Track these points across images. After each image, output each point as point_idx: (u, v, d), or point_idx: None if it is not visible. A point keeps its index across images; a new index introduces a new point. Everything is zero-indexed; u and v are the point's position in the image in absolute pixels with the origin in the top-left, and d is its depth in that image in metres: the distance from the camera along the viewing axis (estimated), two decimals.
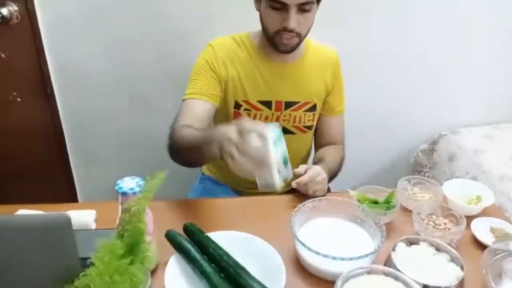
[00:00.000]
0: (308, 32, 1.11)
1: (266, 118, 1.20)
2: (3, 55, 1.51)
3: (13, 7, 1.43)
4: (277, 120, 1.21)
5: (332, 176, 1.18)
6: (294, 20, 1.02)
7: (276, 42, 1.08)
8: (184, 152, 1.00)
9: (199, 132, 0.97)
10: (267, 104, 1.18)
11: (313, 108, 1.23)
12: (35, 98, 1.60)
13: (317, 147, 1.32)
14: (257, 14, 1.15)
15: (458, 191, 1.05)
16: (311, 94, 1.22)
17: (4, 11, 1.42)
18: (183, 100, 1.12)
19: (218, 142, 0.80)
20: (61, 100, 1.63)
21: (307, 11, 1.04)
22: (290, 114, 1.21)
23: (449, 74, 1.77)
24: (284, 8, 1.02)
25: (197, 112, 1.09)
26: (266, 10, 1.06)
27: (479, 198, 1.04)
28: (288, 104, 1.20)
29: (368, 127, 1.80)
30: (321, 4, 1.09)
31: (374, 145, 1.86)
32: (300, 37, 1.08)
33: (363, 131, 1.76)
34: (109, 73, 1.61)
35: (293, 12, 1.01)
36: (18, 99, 1.58)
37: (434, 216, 0.99)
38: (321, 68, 1.22)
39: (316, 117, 1.26)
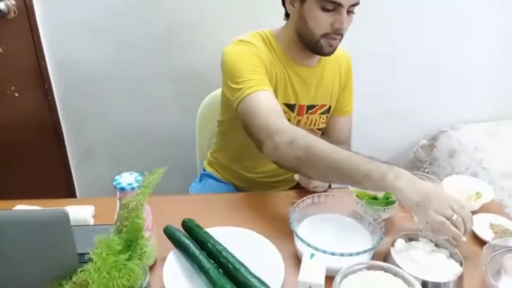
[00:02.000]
0: None
1: (288, 121, 1.18)
2: (0, 50, 1.50)
3: (11, 1, 1.42)
4: (298, 124, 1.18)
5: None
6: (347, 21, 1.02)
7: (322, 45, 1.04)
8: (318, 163, 0.88)
9: (362, 158, 0.86)
10: (291, 107, 1.16)
11: (328, 111, 1.22)
12: (33, 93, 1.59)
13: None
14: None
15: (458, 187, 1.05)
16: (328, 97, 1.20)
17: (1, 5, 1.41)
18: (251, 92, 0.98)
19: (430, 199, 0.82)
20: (59, 95, 1.63)
21: (352, 12, 1.03)
22: (308, 117, 1.19)
23: (450, 70, 1.77)
24: (337, 9, 1.00)
25: (276, 104, 0.99)
26: (315, 11, 1.01)
27: (478, 194, 1.04)
28: (308, 108, 1.18)
29: (368, 122, 1.79)
30: None
31: (374, 140, 1.86)
32: (342, 39, 1.07)
33: (362, 126, 1.75)
34: (107, 68, 1.61)
35: (345, 13, 1.00)
36: (16, 94, 1.57)
37: None
38: (337, 69, 1.21)
39: (328, 119, 1.25)
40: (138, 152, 1.75)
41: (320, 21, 1.01)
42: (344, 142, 1.28)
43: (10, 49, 1.51)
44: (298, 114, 1.17)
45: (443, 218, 0.81)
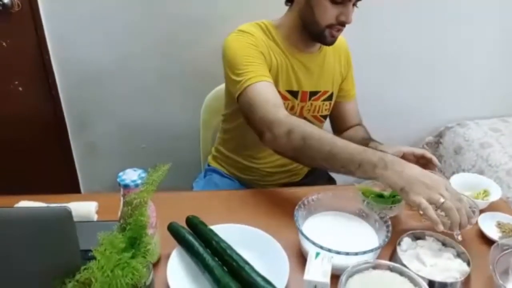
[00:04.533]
0: None
1: (292, 108, 1.19)
2: (4, 44, 1.49)
3: None
4: (301, 110, 1.21)
5: None
6: (352, 14, 1.05)
7: (326, 35, 1.08)
8: (313, 154, 0.92)
9: (356, 148, 0.89)
10: (294, 94, 1.18)
11: (330, 97, 1.25)
12: (37, 87, 1.59)
13: (339, 133, 1.33)
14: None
15: (464, 185, 1.04)
16: (330, 83, 1.23)
17: None
18: (250, 84, 1.00)
19: (416, 185, 0.83)
20: (63, 90, 1.62)
21: (355, 5, 1.06)
22: (311, 104, 1.21)
23: (456, 66, 1.75)
24: (344, 2, 1.03)
25: (274, 94, 1.01)
26: (323, 2, 1.03)
27: (486, 193, 1.03)
28: (311, 94, 1.20)
29: (374, 119, 1.78)
30: None
31: (380, 137, 1.84)
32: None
33: (368, 123, 1.74)
34: (111, 63, 1.60)
35: (351, 6, 1.04)
36: (20, 89, 1.57)
37: None
38: (337, 56, 1.24)
39: (331, 106, 1.27)
40: (142, 148, 1.75)
41: (328, 13, 1.04)
42: (358, 123, 1.33)
43: (13, 43, 1.50)
44: (301, 101, 1.19)
45: (422, 200, 0.81)
